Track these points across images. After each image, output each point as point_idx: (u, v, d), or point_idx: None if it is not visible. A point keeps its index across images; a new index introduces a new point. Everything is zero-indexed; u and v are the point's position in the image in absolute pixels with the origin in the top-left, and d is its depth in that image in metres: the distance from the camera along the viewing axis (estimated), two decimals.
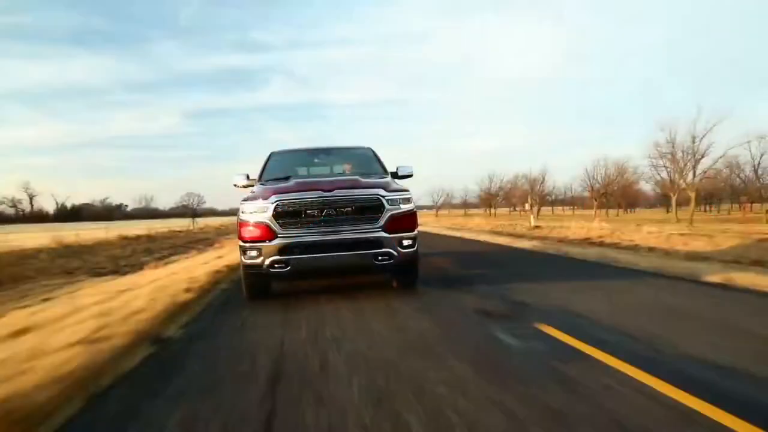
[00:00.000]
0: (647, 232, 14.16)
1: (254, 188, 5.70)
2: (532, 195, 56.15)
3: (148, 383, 2.90)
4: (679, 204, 40.58)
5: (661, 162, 37.83)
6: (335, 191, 4.84)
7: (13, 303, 6.68)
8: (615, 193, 56.87)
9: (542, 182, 64.30)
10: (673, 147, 35.47)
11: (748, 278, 5.73)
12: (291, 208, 4.80)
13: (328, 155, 7.09)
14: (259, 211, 4.87)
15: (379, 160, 6.58)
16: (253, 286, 5.27)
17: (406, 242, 4.89)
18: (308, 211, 4.80)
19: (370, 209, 4.84)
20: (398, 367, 2.92)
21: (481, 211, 78.37)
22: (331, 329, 3.92)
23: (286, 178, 5.74)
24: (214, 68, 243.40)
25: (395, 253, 4.83)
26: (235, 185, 6.18)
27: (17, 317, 5.14)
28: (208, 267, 8.44)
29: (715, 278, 5.86)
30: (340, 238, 4.77)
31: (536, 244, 12.42)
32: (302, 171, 6.76)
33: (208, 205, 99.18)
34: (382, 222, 4.83)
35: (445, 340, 3.55)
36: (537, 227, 21.54)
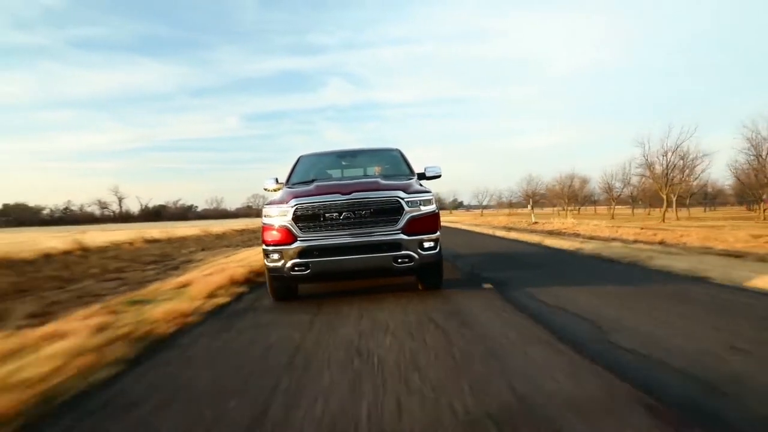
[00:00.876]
0: (593, 225, 20.52)
1: (279, 192, 5.80)
2: (563, 195, 61.16)
3: None
4: (723, 204, 46.83)
5: (639, 171, 46.81)
6: (353, 194, 4.86)
7: (224, 254, 14.32)
8: (644, 193, 60.80)
9: (570, 184, 69.15)
10: (647, 160, 43.49)
11: (558, 243, 12.40)
12: (310, 212, 4.85)
13: (354, 157, 7.19)
14: (280, 215, 4.93)
15: (406, 162, 6.68)
16: (278, 289, 5.37)
17: (427, 244, 4.89)
18: (327, 215, 4.83)
19: (389, 211, 4.85)
20: None
21: (527, 210, 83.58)
22: None
23: (311, 182, 5.79)
24: (272, 71, 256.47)
25: (415, 255, 4.84)
26: (265, 189, 6.35)
27: (242, 254, 12.72)
28: None
29: (547, 242, 12.63)
30: (359, 240, 4.80)
31: (511, 233, 19.03)
32: (329, 174, 6.82)
33: None
34: (401, 224, 4.83)
35: None
36: (535, 223, 27.98)
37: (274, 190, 6.23)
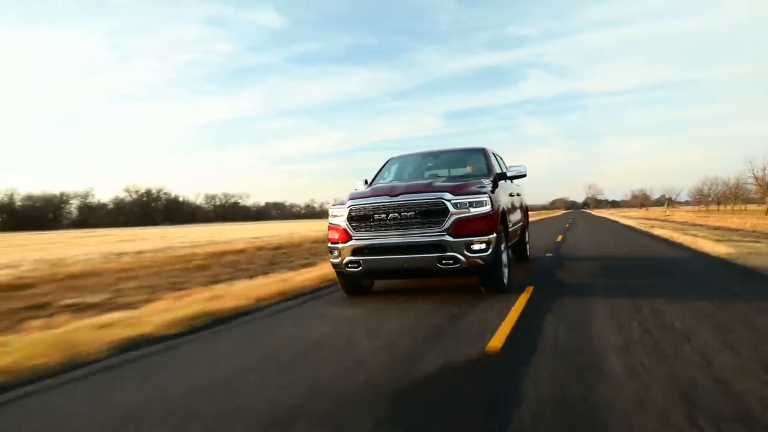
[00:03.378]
0: (683, 213, 31.45)
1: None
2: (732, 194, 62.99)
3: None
4: None
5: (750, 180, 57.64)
6: (400, 196, 4.97)
7: None
8: None
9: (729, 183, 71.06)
10: (752, 173, 55.51)
11: (655, 229, 21.27)
12: (362, 213, 5.08)
13: (437, 158, 7.07)
14: (339, 215, 5.24)
15: (486, 161, 6.44)
16: (346, 284, 5.67)
17: (477, 246, 4.77)
18: (376, 215, 5.00)
19: (434, 213, 4.85)
20: None
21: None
22: None
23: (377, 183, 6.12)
24: (470, 68, 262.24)
25: (461, 257, 4.75)
26: (355, 189, 6.31)
27: None
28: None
29: (632, 224, 21.97)
30: (404, 241, 4.87)
31: (626, 220, 27.12)
32: (408, 175, 6.69)
33: None
34: (446, 225, 4.79)
35: None
36: (667, 215, 38.84)
37: None
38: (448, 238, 4.76)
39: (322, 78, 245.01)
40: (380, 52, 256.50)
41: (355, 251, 5.05)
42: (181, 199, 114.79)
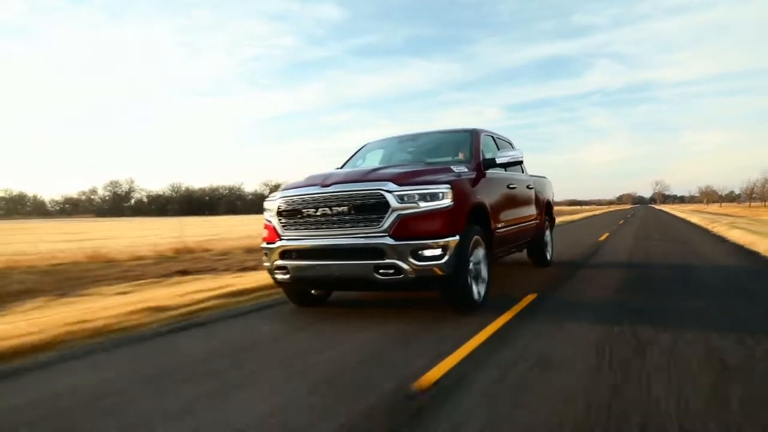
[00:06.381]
0: (716, 207, 45.47)
1: None
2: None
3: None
4: None
5: None
6: (332, 186, 3.89)
7: None
8: None
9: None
10: None
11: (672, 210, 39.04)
12: (290, 206, 4.06)
13: (415, 142, 5.76)
14: (271, 210, 4.25)
15: (472, 145, 5.03)
16: (290, 293, 4.61)
17: (428, 252, 3.60)
18: (305, 210, 3.98)
19: (370, 208, 3.73)
20: None
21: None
22: None
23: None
24: (533, 59, 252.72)
25: (404, 266, 3.59)
26: None
27: None
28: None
29: (668, 210, 38.90)
30: (335, 243, 3.82)
31: (668, 209, 42.98)
32: (379, 161, 5.54)
33: None
34: (386, 224, 3.66)
35: None
36: (703, 207, 52.15)
37: None
38: (389, 241, 3.62)
39: (383, 70, 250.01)
40: (440, 44, 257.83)
41: (283, 254, 4.05)
42: None
